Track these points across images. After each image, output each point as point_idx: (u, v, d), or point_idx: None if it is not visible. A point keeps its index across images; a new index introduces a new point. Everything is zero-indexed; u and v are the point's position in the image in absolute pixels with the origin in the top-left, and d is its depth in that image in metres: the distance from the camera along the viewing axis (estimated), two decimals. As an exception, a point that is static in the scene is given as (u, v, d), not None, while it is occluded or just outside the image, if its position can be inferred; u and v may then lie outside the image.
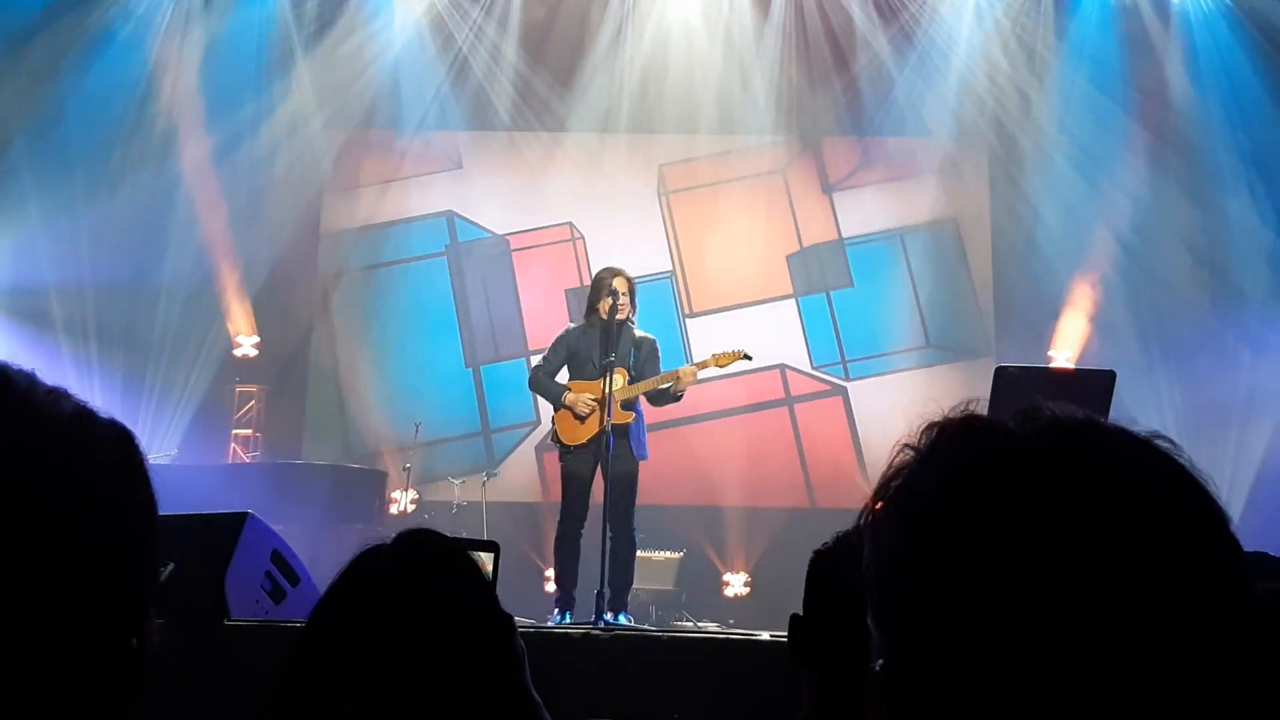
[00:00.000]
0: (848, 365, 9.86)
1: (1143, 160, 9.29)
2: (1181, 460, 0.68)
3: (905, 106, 9.60)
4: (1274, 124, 8.92)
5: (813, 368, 9.91)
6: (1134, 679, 0.61)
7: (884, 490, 0.73)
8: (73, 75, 9.13)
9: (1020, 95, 9.56)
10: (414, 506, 8.53)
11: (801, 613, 1.67)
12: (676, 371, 5.82)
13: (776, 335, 9.74)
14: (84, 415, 0.81)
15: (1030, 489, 0.65)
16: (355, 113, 9.82)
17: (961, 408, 0.74)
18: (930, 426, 0.73)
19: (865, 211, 10.05)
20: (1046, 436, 0.68)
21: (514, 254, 10.21)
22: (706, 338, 9.44)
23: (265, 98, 9.64)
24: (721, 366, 5.95)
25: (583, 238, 10.19)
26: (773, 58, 9.69)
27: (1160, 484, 0.66)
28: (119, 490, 0.81)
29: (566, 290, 9.99)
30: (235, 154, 9.51)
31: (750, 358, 6.03)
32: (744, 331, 9.26)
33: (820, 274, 10.02)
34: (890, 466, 0.74)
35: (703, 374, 5.96)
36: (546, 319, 9.92)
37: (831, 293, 10.10)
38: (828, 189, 10.23)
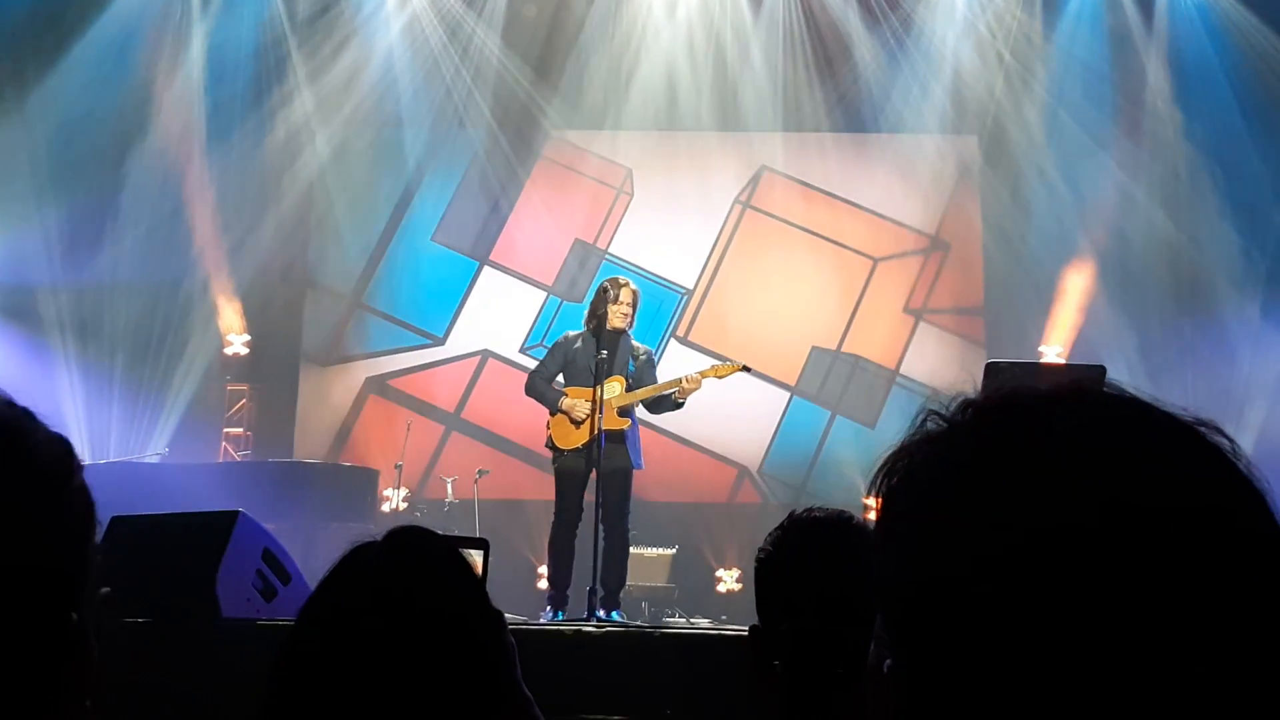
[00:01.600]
0: (807, 487, 8.84)
1: (1130, 155, 9.32)
2: (1232, 456, 0.63)
3: (898, 103, 9.60)
4: (1250, 118, 9.01)
5: (761, 472, 9.13)
6: (1164, 693, 0.57)
7: (903, 459, 0.67)
8: (65, 72, 9.09)
9: (1009, 91, 9.57)
10: (405, 504, 8.52)
11: (759, 622, 1.66)
12: (680, 379, 5.80)
13: (748, 421, 9.01)
14: (11, 403, 0.84)
15: (1077, 495, 0.60)
16: (349, 109, 9.78)
17: (995, 388, 0.67)
18: (966, 404, 0.67)
19: (942, 355, 9.08)
20: (1094, 431, 0.63)
21: (541, 162, 9.82)
22: (677, 368, 9.28)
23: (258, 95, 9.62)
24: (720, 378, 5.94)
25: (631, 195, 9.87)
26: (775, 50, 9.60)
27: (1213, 482, 0.62)
28: (52, 473, 0.82)
29: (577, 240, 9.77)
30: (227, 151, 9.49)
31: (749, 370, 6.09)
32: (721, 392, 8.21)
33: (841, 391, 9.03)
34: (914, 435, 0.68)
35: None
36: (536, 246, 9.67)
37: (838, 418, 9.07)
38: (913, 310, 9.33)
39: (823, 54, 9.64)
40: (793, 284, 9.51)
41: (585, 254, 9.83)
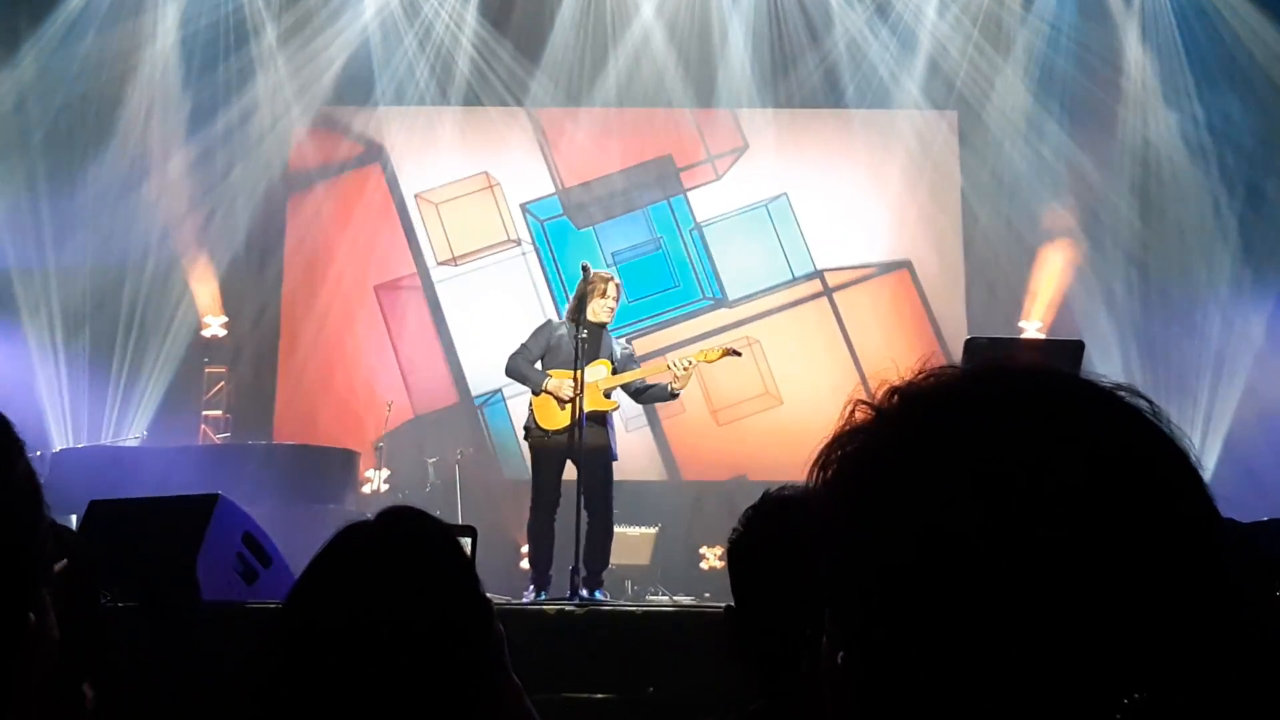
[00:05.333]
0: None
1: (1108, 128, 9.35)
2: (1156, 419, 0.64)
3: (875, 79, 9.57)
4: (1228, 91, 9.05)
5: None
6: (1116, 656, 0.58)
7: (835, 451, 0.68)
8: (33, 52, 8.98)
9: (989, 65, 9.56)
10: (387, 486, 8.50)
11: (734, 604, 1.66)
12: (672, 371, 5.77)
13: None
14: None
15: (1002, 475, 0.60)
16: (327, 88, 9.68)
17: (920, 370, 0.68)
18: (891, 391, 0.67)
19: None
20: (1016, 409, 0.63)
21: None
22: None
23: (234, 75, 9.52)
24: (709, 363, 5.97)
25: (719, 176, 9.63)
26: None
27: (1136, 442, 0.63)
28: None
29: (670, 156, 9.64)
30: (202, 131, 9.40)
31: (739, 354, 6.10)
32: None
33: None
34: (844, 426, 0.68)
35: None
36: (599, 133, 9.51)
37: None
38: None
39: (805, 28, 9.60)
40: (789, 396, 9.13)
41: (663, 177, 9.61)
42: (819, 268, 9.46)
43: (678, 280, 9.49)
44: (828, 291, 9.46)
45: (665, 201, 9.62)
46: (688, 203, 9.65)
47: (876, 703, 0.63)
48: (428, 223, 9.67)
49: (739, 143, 9.70)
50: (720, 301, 9.46)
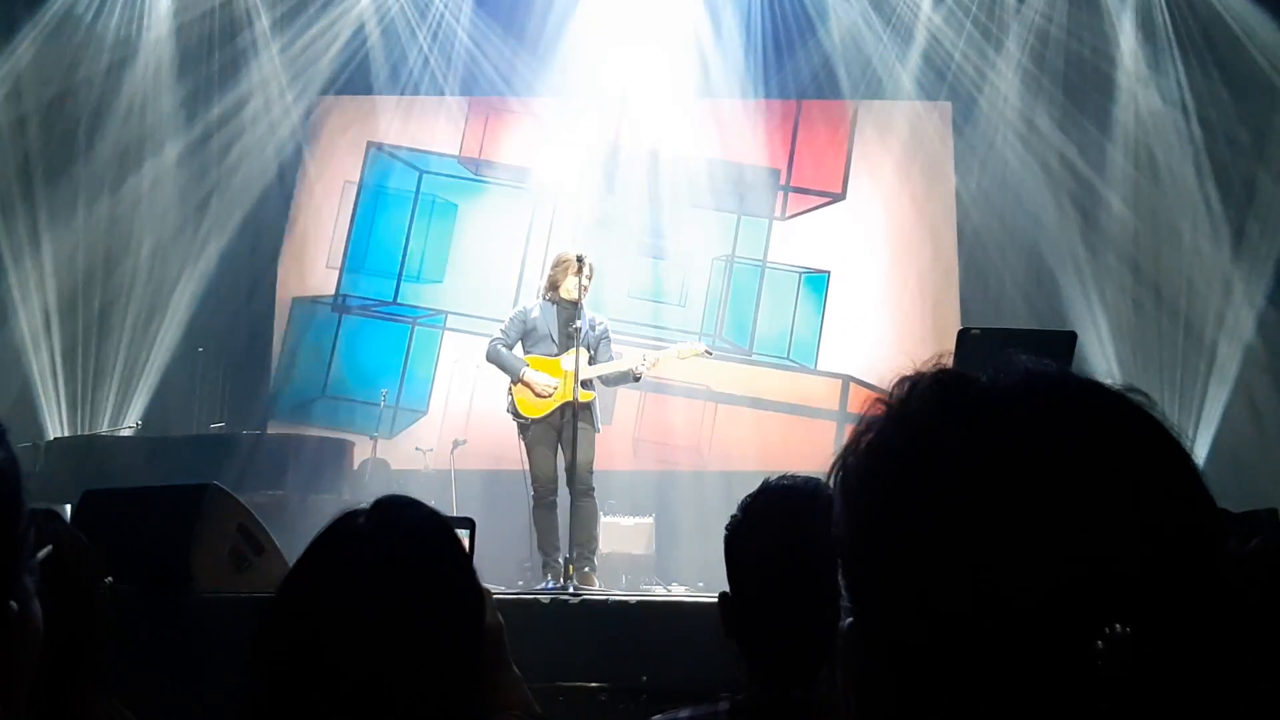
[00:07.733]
0: None
1: (1103, 118, 9.34)
2: (1156, 415, 0.67)
3: (875, 69, 9.54)
4: (1223, 82, 9.05)
5: None
6: (1115, 643, 0.60)
7: (856, 444, 0.71)
8: (33, 41, 8.96)
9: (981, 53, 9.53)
10: (382, 475, 8.49)
11: (729, 590, 1.67)
12: (643, 361, 5.98)
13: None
14: None
15: (1006, 449, 0.64)
16: (325, 76, 9.64)
17: (934, 362, 0.72)
18: (903, 380, 0.71)
19: None
20: (1021, 393, 0.67)
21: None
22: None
23: (231, 63, 9.49)
24: (682, 359, 6.28)
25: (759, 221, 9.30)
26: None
27: (1136, 441, 0.65)
28: None
29: (768, 167, 9.28)
30: (198, 117, 9.39)
31: (710, 354, 6.42)
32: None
33: None
34: (863, 420, 0.72)
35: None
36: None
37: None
38: None
39: (799, 19, 9.55)
40: (715, 464, 8.82)
41: (757, 183, 9.26)
42: (845, 373, 8.90)
43: (685, 300, 9.24)
44: (842, 414, 8.86)
45: (737, 215, 9.24)
46: (767, 230, 9.20)
47: (885, 668, 0.66)
48: (470, 121, 9.55)
49: (837, 189, 9.32)
50: (740, 351, 9.07)
